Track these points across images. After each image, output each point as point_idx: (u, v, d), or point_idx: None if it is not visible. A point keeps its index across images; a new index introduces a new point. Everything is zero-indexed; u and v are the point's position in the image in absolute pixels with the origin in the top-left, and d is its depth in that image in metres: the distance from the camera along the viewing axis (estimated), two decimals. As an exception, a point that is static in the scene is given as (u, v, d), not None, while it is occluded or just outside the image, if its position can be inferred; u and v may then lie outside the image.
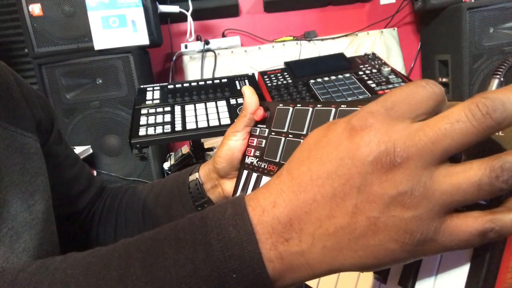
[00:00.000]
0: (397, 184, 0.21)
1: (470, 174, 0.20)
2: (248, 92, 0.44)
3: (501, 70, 0.42)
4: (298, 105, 0.38)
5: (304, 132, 0.36)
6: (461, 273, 0.23)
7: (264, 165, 0.40)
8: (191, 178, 0.50)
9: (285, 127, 0.39)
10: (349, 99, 0.91)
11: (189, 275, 0.24)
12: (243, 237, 0.24)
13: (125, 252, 0.26)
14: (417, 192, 0.20)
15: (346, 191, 0.22)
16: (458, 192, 0.20)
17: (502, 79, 0.43)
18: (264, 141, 0.41)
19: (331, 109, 0.34)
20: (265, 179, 0.40)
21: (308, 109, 0.36)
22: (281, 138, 0.39)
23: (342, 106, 0.33)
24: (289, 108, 0.38)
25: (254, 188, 0.41)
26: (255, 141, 0.43)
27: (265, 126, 0.42)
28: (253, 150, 0.43)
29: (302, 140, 0.36)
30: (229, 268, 0.23)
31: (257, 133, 0.43)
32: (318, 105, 0.35)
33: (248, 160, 0.43)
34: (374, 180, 0.21)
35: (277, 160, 0.39)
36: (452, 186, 0.20)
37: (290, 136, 0.38)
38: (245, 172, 0.43)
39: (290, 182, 0.24)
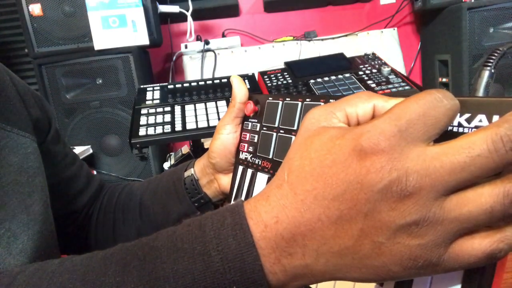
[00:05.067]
0: (405, 214, 0.20)
1: (482, 202, 0.19)
2: (237, 81, 0.43)
3: (491, 60, 0.40)
4: (287, 99, 0.37)
5: (295, 128, 0.36)
6: (457, 276, 0.23)
7: (258, 161, 0.40)
8: (186, 174, 0.50)
9: (275, 122, 0.38)
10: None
11: (188, 286, 0.23)
12: (243, 248, 0.23)
13: (122, 259, 0.26)
14: (425, 223, 0.20)
15: (353, 215, 0.21)
16: (468, 220, 0.19)
17: (493, 70, 0.41)
18: (256, 136, 0.41)
19: (321, 104, 0.33)
20: (260, 176, 0.40)
21: (297, 104, 0.36)
22: (273, 134, 0.38)
23: (331, 100, 0.33)
24: (279, 102, 0.38)
25: (250, 185, 0.41)
26: (247, 136, 0.43)
27: (256, 120, 0.42)
28: (246, 145, 0.42)
29: (293, 136, 0.35)
30: (229, 279, 0.23)
31: (249, 128, 0.43)
32: (307, 99, 0.35)
33: (242, 155, 0.43)
34: (382, 207, 0.20)
35: (270, 157, 0.38)
36: (462, 215, 0.19)
37: (281, 131, 0.37)
38: (241, 168, 0.43)
39: (293, 198, 0.23)
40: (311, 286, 0.32)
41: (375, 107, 0.24)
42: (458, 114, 0.22)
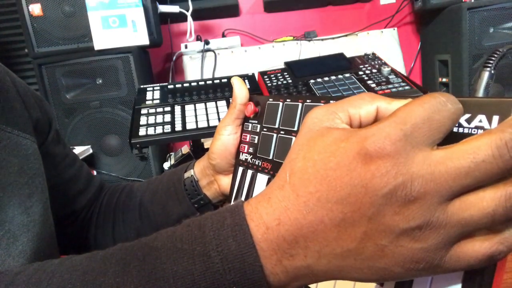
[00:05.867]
0: (409, 218, 0.20)
1: (483, 205, 0.19)
2: (238, 83, 0.43)
3: (491, 61, 0.40)
4: (287, 100, 0.37)
5: (295, 129, 0.36)
6: (457, 275, 0.23)
7: (258, 162, 0.40)
8: (186, 175, 0.50)
9: (276, 123, 0.38)
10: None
11: (188, 287, 0.23)
12: (243, 249, 0.23)
13: (122, 259, 0.26)
14: (429, 227, 0.20)
15: (356, 218, 0.21)
16: (470, 224, 0.20)
17: (493, 71, 0.41)
18: (256, 137, 0.41)
19: (321, 105, 0.33)
20: (260, 177, 0.40)
21: (298, 105, 0.36)
22: (273, 135, 0.38)
23: (331, 102, 0.33)
24: (279, 103, 0.38)
25: (250, 186, 0.41)
26: (248, 137, 0.43)
27: (256, 121, 0.42)
28: (246, 146, 0.42)
29: (293, 137, 0.35)
30: (229, 280, 0.23)
31: (249, 129, 0.43)
32: (308, 100, 0.35)
33: (242, 156, 0.43)
34: (387, 211, 0.20)
35: (271, 158, 0.38)
36: (465, 219, 0.20)
37: (281, 132, 0.37)
38: (241, 169, 0.43)
39: (296, 200, 0.23)
40: (311, 286, 0.32)
41: (378, 108, 0.24)
42: None
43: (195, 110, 0.90)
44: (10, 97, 0.40)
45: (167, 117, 0.87)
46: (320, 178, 0.23)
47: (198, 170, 0.49)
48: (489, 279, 0.22)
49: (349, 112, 0.25)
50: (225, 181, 0.47)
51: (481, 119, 0.22)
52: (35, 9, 1.25)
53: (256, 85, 1.01)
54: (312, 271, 0.24)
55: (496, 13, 1.35)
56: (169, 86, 1.00)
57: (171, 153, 1.40)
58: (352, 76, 0.99)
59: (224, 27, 1.73)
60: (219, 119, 0.86)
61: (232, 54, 1.58)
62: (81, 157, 1.22)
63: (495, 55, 0.41)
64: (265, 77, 1.07)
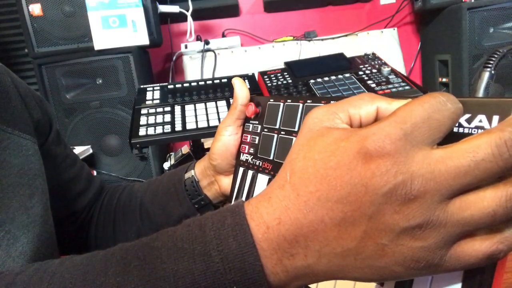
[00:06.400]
0: (409, 217, 0.20)
1: (484, 205, 0.19)
2: (238, 83, 0.43)
3: (491, 62, 0.41)
4: (288, 101, 0.37)
5: (296, 129, 0.36)
6: (458, 275, 0.23)
7: (259, 163, 0.40)
8: (187, 175, 0.50)
9: (276, 123, 0.38)
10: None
11: (189, 287, 0.23)
12: (244, 249, 0.23)
13: (123, 259, 0.26)
14: (429, 226, 0.20)
15: (356, 217, 0.21)
16: (470, 223, 0.20)
17: (493, 71, 0.41)
18: (257, 137, 0.41)
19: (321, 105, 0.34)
20: (260, 177, 0.40)
21: (299, 105, 0.36)
22: (274, 135, 0.38)
23: (332, 102, 0.33)
24: (280, 104, 0.38)
25: (250, 187, 0.41)
26: (248, 138, 0.43)
27: (257, 122, 0.42)
28: (247, 147, 0.43)
29: (294, 138, 0.35)
30: (229, 280, 0.23)
31: (250, 129, 0.43)
32: (308, 101, 0.35)
33: (243, 157, 0.43)
34: (387, 210, 0.20)
35: (271, 158, 0.38)
36: (465, 219, 0.20)
37: (282, 133, 0.37)
38: (241, 170, 0.43)
39: (296, 199, 0.23)
40: (311, 286, 0.32)
41: (378, 109, 0.24)
42: None
43: (195, 110, 0.90)
44: (11, 97, 0.40)
45: (167, 117, 0.87)
46: (320, 177, 0.23)
47: (198, 170, 0.49)
48: (489, 279, 0.22)
49: (349, 112, 0.25)
50: (225, 182, 0.47)
51: (481, 119, 0.22)
52: (35, 9, 1.25)
53: (256, 85, 1.01)
54: (312, 270, 0.24)
55: (496, 13, 1.35)
56: (169, 86, 1.00)
57: (171, 153, 1.40)
58: (352, 76, 0.99)
59: (224, 27, 1.73)
60: (219, 119, 0.86)
61: (232, 54, 1.58)
62: (81, 157, 1.22)
63: (495, 55, 0.41)
64: (265, 77, 1.07)
